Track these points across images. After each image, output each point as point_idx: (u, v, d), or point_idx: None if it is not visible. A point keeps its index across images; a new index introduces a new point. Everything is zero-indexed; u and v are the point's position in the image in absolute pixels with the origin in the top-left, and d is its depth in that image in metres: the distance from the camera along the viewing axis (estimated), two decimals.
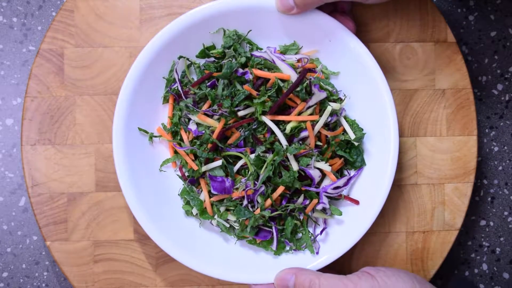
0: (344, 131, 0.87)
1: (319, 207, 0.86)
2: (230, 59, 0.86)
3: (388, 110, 0.84)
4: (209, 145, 0.85)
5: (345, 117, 0.88)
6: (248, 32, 0.87)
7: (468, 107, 0.92)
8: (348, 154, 0.87)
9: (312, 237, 0.87)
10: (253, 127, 0.85)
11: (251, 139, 0.85)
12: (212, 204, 0.87)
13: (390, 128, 0.84)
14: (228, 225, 0.87)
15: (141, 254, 0.90)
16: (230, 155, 0.86)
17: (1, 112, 0.95)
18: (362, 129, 0.87)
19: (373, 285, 0.75)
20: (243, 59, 0.85)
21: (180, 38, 0.84)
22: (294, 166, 0.83)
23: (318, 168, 0.85)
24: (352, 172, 0.88)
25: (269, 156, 0.83)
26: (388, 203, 0.92)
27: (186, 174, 0.88)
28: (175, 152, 0.88)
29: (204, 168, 0.85)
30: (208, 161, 0.85)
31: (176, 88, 0.87)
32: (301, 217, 0.88)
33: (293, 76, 0.84)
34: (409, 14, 0.92)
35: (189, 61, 0.88)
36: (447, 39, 0.92)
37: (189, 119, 0.88)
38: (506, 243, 0.99)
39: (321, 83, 0.85)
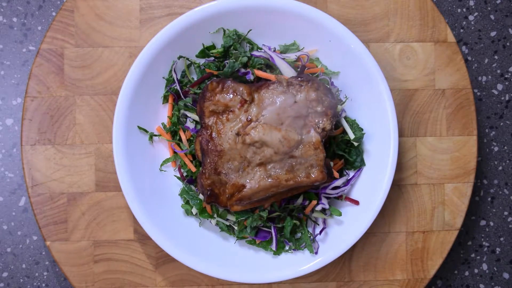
0: (344, 131, 0.87)
1: (318, 207, 0.86)
2: (234, 59, 0.86)
3: (388, 110, 0.84)
4: None
5: (345, 117, 0.88)
6: (248, 32, 0.87)
7: (468, 107, 0.92)
8: (347, 154, 0.87)
9: (311, 237, 0.87)
10: None
11: None
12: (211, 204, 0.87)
13: (390, 128, 0.84)
14: (227, 224, 0.87)
15: (141, 254, 0.90)
16: None
17: (1, 112, 0.95)
18: (362, 129, 0.87)
19: None
20: (244, 59, 0.85)
21: (180, 38, 0.84)
22: None
23: None
24: (352, 173, 0.88)
25: None
26: (388, 203, 0.92)
27: (185, 174, 0.88)
28: (175, 151, 0.88)
29: None
30: None
31: (175, 87, 0.87)
32: (301, 216, 0.88)
33: (292, 74, 0.84)
34: (409, 14, 0.92)
35: (189, 60, 0.88)
36: (447, 39, 0.92)
37: (187, 117, 0.88)
38: (506, 243, 0.99)
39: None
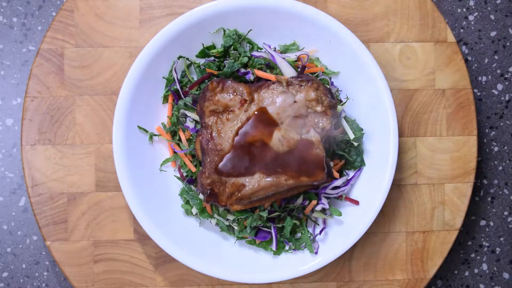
0: (344, 131, 0.87)
1: (318, 207, 0.86)
2: (234, 59, 0.86)
3: (388, 110, 0.84)
4: None
5: (345, 117, 0.88)
6: (248, 32, 0.87)
7: (468, 107, 0.92)
8: (347, 154, 0.87)
9: (311, 237, 0.87)
10: None
11: None
12: (211, 204, 0.87)
13: (390, 128, 0.84)
14: (227, 224, 0.87)
15: (141, 254, 0.90)
16: None
17: (1, 112, 0.95)
18: (362, 129, 0.87)
19: None
20: (245, 59, 0.85)
21: (180, 38, 0.84)
22: None
23: None
24: (352, 173, 0.88)
25: None
26: (388, 203, 0.92)
27: (185, 174, 0.88)
28: (175, 151, 0.88)
29: None
30: None
31: (176, 87, 0.87)
32: (301, 216, 0.88)
33: (292, 74, 0.85)
34: (409, 14, 0.92)
35: (189, 61, 0.88)
36: (447, 39, 0.92)
37: (186, 117, 0.88)
38: (506, 243, 0.99)
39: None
